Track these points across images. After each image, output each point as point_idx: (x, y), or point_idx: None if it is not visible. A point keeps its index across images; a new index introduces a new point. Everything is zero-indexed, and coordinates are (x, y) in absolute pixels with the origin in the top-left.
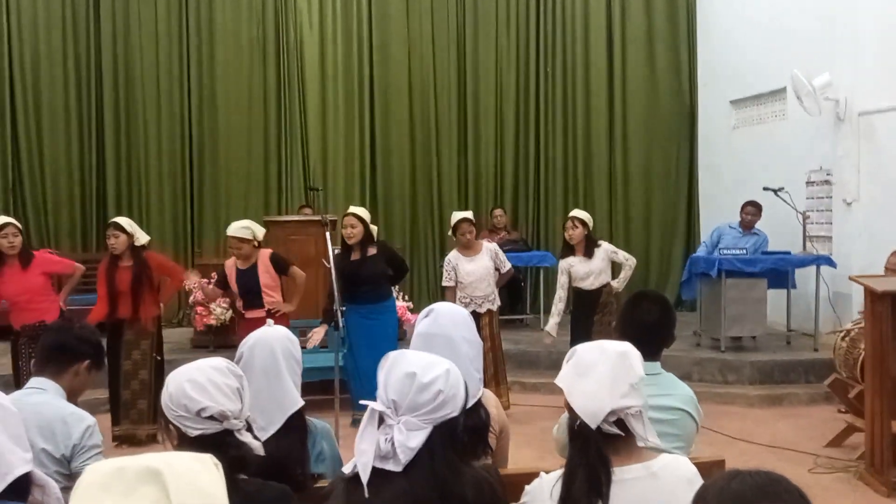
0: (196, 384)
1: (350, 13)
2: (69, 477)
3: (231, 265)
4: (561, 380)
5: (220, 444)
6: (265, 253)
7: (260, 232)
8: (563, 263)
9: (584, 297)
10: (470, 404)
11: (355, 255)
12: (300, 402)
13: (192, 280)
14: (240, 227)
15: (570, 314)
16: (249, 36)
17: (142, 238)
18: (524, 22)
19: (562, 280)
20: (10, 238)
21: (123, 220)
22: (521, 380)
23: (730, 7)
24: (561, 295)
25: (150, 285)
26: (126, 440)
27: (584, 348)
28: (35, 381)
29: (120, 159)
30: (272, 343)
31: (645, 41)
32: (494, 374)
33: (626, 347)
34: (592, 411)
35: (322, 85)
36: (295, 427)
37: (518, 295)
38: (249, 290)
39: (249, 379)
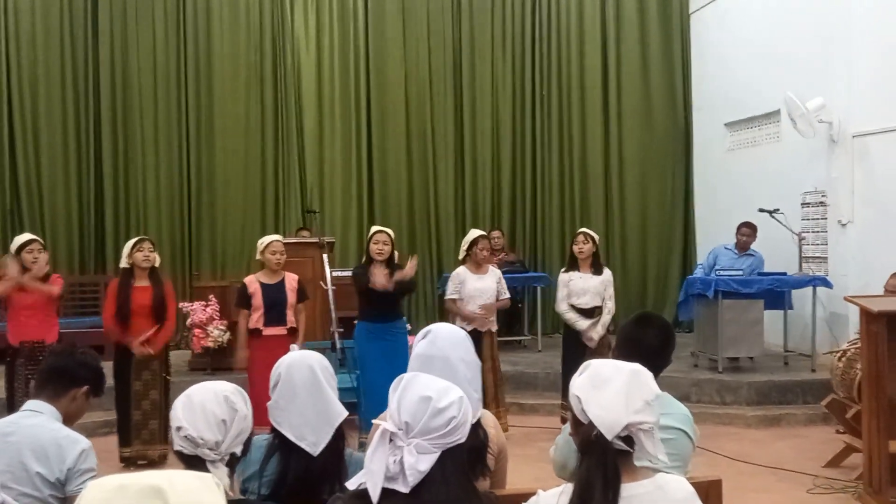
0: (189, 402)
1: (347, 36)
2: (64, 501)
3: (253, 280)
4: (577, 389)
5: (190, 468)
6: (293, 275)
7: None
8: (564, 277)
9: None
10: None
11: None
12: (344, 412)
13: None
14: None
15: (562, 338)
16: (247, 60)
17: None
18: (520, 45)
19: (562, 293)
20: (34, 254)
21: None
22: (519, 401)
23: (724, 30)
24: (565, 307)
25: (167, 309)
26: (135, 461)
27: (598, 363)
28: (31, 404)
29: (118, 182)
30: (308, 360)
31: (640, 64)
32: (494, 396)
33: (639, 367)
34: (609, 423)
35: (319, 108)
36: (340, 438)
37: (516, 316)
38: (276, 305)
39: (293, 399)
